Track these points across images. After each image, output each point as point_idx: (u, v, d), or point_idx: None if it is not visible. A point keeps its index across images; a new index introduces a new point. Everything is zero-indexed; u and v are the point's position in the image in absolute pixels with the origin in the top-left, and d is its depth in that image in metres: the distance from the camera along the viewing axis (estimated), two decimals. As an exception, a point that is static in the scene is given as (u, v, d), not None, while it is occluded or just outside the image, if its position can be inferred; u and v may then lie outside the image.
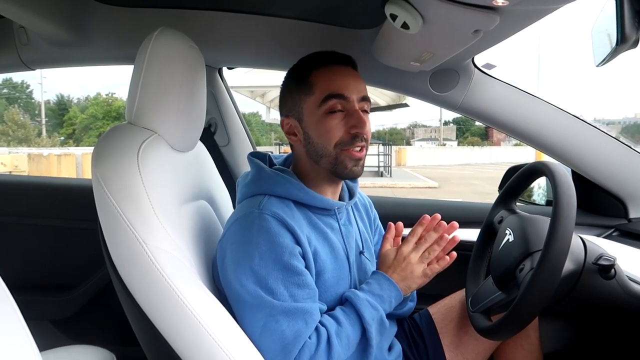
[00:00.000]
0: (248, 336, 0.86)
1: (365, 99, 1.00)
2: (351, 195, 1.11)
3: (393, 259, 1.00)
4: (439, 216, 1.03)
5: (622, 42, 0.56)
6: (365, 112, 1.00)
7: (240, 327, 0.87)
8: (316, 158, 0.99)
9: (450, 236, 1.02)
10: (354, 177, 1.01)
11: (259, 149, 1.60)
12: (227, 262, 0.92)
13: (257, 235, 0.90)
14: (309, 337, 0.87)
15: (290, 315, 0.86)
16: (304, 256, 0.92)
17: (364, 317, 0.92)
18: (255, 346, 0.85)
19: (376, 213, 1.25)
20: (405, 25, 0.86)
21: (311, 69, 0.99)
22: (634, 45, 0.59)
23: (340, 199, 1.09)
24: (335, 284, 0.98)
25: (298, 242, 0.91)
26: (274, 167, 1.02)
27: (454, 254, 1.01)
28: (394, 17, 0.86)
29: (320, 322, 0.90)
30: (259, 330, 0.86)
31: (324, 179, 1.02)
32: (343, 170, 0.98)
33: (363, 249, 1.10)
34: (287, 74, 1.05)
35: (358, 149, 0.98)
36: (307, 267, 0.93)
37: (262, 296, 0.86)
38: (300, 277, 0.90)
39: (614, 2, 0.58)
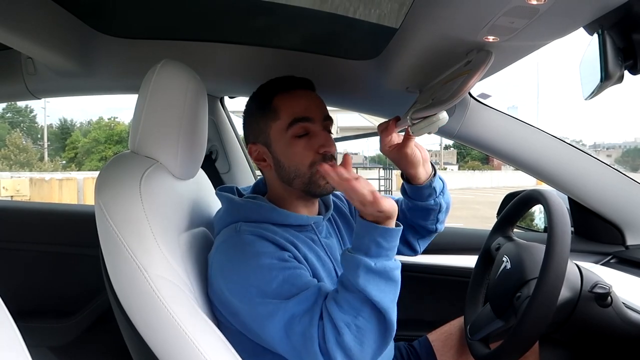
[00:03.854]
0: (278, 347, 0.85)
1: (328, 118, 1.03)
2: (327, 207, 1.12)
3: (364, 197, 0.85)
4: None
5: (607, 78, 0.58)
6: (329, 131, 1.02)
7: (265, 342, 0.87)
8: (288, 180, 1.00)
9: None
10: (327, 194, 1.04)
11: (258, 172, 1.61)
12: (223, 289, 0.91)
13: (242, 252, 0.90)
14: (320, 318, 0.83)
15: (302, 303, 0.84)
16: (294, 258, 0.92)
17: (347, 275, 0.84)
18: (289, 351, 0.84)
19: None
20: None
21: (273, 94, 1.01)
22: (619, 80, 0.61)
23: (319, 214, 1.09)
24: None
25: (284, 249, 0.92)
26: (243, 197, 1.04)
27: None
28: None
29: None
30: (283, 335, 0.83)
31: (298, 198, 1.03)
32: (316, 189, 1.00)
33: None
34: (248, 102, 1.07)
35: None
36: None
37: (270, 303, 0.85)
38: (297, 270, 0.89)
39: (597, 39, 0.61)
